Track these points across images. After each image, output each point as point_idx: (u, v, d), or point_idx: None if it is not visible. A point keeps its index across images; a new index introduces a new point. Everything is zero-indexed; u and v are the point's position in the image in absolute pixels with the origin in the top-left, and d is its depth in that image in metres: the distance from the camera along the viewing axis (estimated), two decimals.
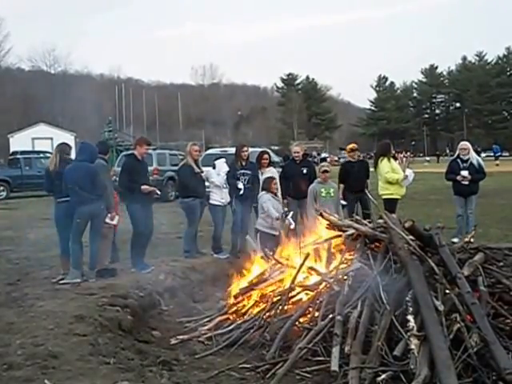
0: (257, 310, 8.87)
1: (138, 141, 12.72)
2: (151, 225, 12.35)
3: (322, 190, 13.09)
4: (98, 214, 11.01)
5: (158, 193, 12.30)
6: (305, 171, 14.28)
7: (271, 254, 10.17)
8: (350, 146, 15.90)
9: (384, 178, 13.85)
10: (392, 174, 13.75)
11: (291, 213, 12.89)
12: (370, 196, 11.28)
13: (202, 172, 13.21)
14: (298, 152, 14.83)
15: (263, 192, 13.20)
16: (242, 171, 13.69)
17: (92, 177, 10.89)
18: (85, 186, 10.82)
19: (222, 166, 13.40)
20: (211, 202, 13.19)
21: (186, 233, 13.30)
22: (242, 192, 13.48)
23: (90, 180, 10.85)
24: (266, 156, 14.53)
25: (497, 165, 65.41)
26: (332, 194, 13.18)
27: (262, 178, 13.86)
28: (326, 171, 13.29)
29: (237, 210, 13.60)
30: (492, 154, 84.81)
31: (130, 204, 11.99)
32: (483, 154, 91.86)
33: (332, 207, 12.50)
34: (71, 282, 10.62)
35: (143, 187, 11.85)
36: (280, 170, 15.99)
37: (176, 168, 16.16)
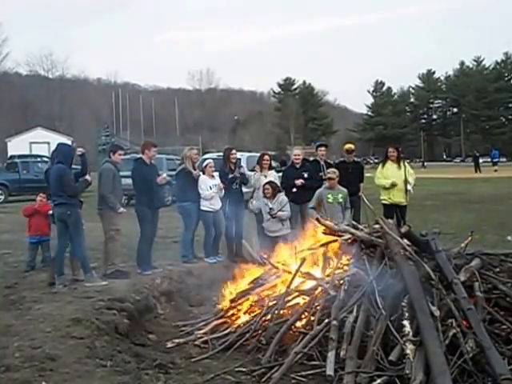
0: (253, 314, 8.89)
1: (144, 146, 12.78)
2: (155, 229, 12.56)
3: (329, 195, 12.90)
4: (64, 219, 10.87)
5: (169, 179, 12.50)
6: (306, 175, 14.11)
7: (267, 258, 10.20)
8: (347, 146, 15.63)
9: (376, 183, 14.33)
10: (381, 180, 13.98)
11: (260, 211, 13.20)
12: (366, 201, 11.24)
13: (200, 176, 13.21)
14: (298, 155, 14.58)
15: None
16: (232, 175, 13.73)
17: (59, 178, 10.80)
18: (55, 188, 10.88)
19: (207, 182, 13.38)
20: (201, 207, 13.18)
21: (182, 237, 13.32)
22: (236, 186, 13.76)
23: (58, 182, 10.81)
24: (266, 157, 14.48)
25: (495, 171, 65.33)
26: (340, 200, 12.91)
27: (265, 180, 13.78)
28: (329, 178, 13.07)
29: (229, 215, 13.61)
30: (489, 160, 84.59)
31: (139, 207, 12.16)
32: (480, 160, 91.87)
33: (339, 213, 12.49)
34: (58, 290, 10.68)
35: (158, 179, 12.18)
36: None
37: (173, 173, 16.22)
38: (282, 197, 13.25)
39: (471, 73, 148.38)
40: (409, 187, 14.08)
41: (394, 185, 13.88)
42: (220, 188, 13.29)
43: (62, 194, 10.73)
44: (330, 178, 13.02)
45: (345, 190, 13.17)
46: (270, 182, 13.36)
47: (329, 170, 13.34)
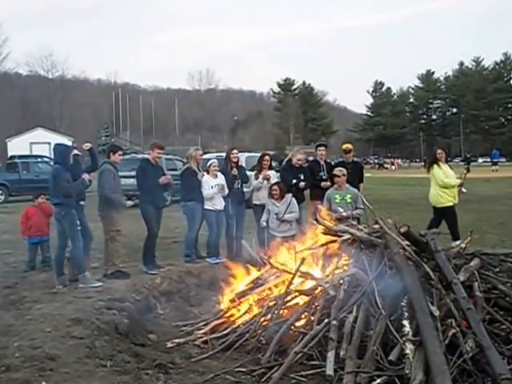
0: (252, 314, 8.90)
1: (150, 146, 13.19)
2: (157, 229, 12.56)
3: (337, 196, 12.77)
4: (59, 219, 10.90)
5: (170, 179, 12.49)
6: (302, 177, 14.06)
7: (266, 258, 10.21)
8: (344, 146, 15.45)
9: (442, 184, 14.01)
10: (450, 180, 14.01)
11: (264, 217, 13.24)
12: (365, 201, 11.24)
13: (203, 176, 13.19)
14: (301, 160, 14.39)
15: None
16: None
17: (52, 179, 10.89)
18: (51, 188, 10.93)
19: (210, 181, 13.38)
20: (204, 206, 13.18)
21: (186, 237, 13.29)
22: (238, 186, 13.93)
23: (52, 183, 10.89)
24: (266, 158, 14.44)
25: (496, 170, 65.31)
26: (348, 200, 12.77)
27: (265, 183, 13.79)
28: (334, 175, 12.98)
29: (231, 214, 13.63)
30: (489, 160, 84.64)
31: (143, 206, 12.17)
32: (480, 160, 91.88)
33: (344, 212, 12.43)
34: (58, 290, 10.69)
35: (160, 180, 12.20)
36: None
37: (172, 173, 16.23)
38: (291, 198, 13.21)
39: (470, 73, 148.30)
40: (463, 189, 14.15)
41: (455, 186, 14.01)
42: (223, 188, 13.28)
43: (57, 194, 10.78)
44: (335, 175, 12.97)
45: (354, 189, 13.07)
46: (278, 183, 13.34)
47: (336, 169, 13.28)
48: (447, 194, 13.89)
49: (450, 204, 13.91)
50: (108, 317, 8.77)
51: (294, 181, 13.73)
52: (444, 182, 13.81)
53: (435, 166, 14.06)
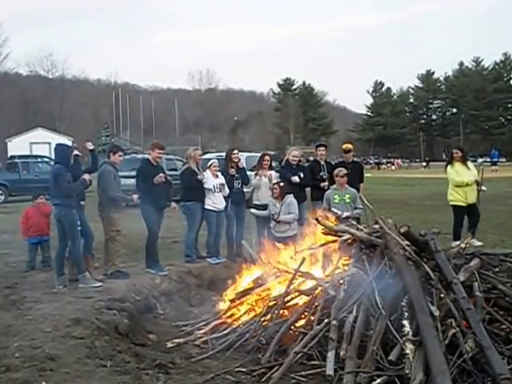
0: (252, 314, 8.90)
1: (151, 146, 13.20)
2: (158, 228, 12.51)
3: (336, 196, 12.77)
4: (60, 219, 10.88)
5: (168, 178, 12.42)
6: (301, 175, 14.07)
7: (265, 259, 10.21)
8: (344, 146, 15.51)
9: (454, 182, 14.38)
10: (463, 178, 14.25)
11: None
12: (365, 201, 11.23)
13: (203, 176, 13.15)
14: (296, 156, 14.46)
15: None
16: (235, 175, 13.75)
17: (53, 179, 10.85)
18: (52, 189, 10.90)
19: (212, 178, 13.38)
20: (205, 206, 13.16)
21: (186, 237, 13.28)
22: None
23: (52, 183, 10.85)
24: (267, 158, 14.44)
25: (496, 170, 65.20)
26: (347, 201, 12.75)
27: (265, 181, 13.81)
28: (335, 175, 12.98)
29: (231, 214, 13.60)
30: (489, 160, 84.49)
31: (144, 207, 12.11)
32: (480, 160, 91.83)
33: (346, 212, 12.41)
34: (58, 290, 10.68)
35: (155, 178, 12.03)
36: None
37: (172, 173, 16.20)
38: (290, 199, 13.18)
39: (470, 73, 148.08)
40: (483, 188, 14.26)
41: (468, 184, 14.25)
42: (223, 186, 13.28)
43: (58, 194, 10.76)
44: (336, 175, 12.93)
45: (353, 190, 13.05)
46: (278, 183, 13.33)
47: (337, 169, 13.27)
48: (458, 194, 14.17)
49: (461, 204, 14.11)
50: (108, 317, 8.77)
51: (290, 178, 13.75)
52: (455, 181, 14.14)
53: (449, 165, 14.35)
